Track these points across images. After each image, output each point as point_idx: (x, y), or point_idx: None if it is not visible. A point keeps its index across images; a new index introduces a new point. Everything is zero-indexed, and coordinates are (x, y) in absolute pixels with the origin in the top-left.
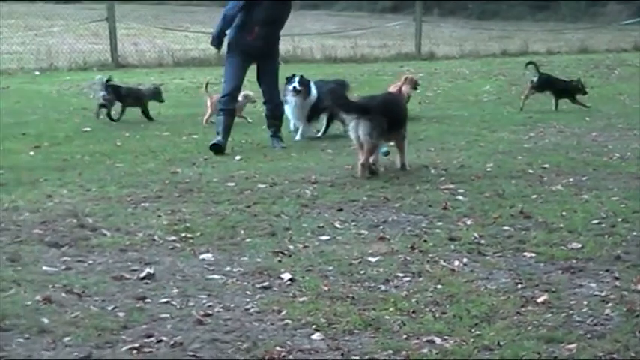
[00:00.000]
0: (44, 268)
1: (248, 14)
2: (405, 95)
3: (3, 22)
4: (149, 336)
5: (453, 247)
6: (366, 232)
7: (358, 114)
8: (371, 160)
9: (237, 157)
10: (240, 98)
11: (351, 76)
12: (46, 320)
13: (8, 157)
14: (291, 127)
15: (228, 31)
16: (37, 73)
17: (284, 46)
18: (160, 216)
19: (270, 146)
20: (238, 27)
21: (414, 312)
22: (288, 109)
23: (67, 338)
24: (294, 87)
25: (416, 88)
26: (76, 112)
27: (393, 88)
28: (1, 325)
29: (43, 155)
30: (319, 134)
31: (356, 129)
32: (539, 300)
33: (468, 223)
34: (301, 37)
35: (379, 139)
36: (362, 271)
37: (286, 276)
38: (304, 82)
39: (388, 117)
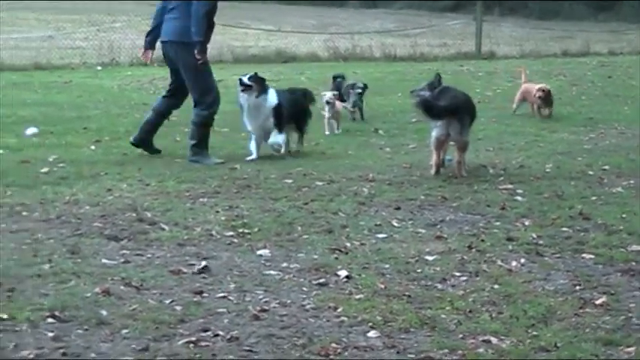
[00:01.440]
0: (103, 261)
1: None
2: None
3: (66, 18)
4: (206, 330)
5: (510, 247)
6: (424, 231)
7: (448, 115)
8: (434, 159)
9: (295, 154)
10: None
11: (410, 75)
12: (104, 312)
13: (70, 151)
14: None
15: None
16: (99, 68)
17: (343, 44)
18: (217, 211)
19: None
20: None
21: (470, 311)
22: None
23: (125, 331)
24: (241, 80)
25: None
26: (136, 107)
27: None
28: (61, 317)
29: (103, 149)
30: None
31: (445, 129)
32: (598, 302)
33: (526, 223)
34: (361, 36)
35: (469, 136)
36: (419, 270)
37: (343, 273)
38: (257, 79)
39: (471, 115)
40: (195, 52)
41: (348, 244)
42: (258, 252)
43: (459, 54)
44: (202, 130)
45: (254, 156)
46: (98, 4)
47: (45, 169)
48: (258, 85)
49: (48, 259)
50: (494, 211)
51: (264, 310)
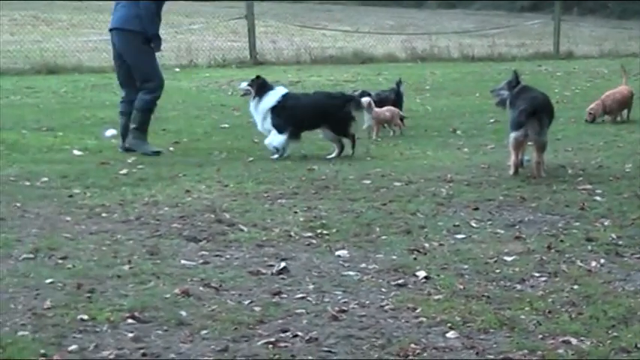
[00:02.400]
0: (182, 261)
1: (159, 7)
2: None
3: None
4: (285, 331)
5: (590, 247)
6: (502, 232)
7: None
8: (512, 160)
9: (373, 155)
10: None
11: (488, 75)
12: (184, 313)
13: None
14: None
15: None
16: (177, 69)
17: (421, 44)
18: (296, 212)
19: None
20: (158, 21)
21: (549, 312)
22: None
23: (205, 331)
24: (240, 85)
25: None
26: (214, 108)
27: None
28: (141, 317)
29: (182, 151)
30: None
31: (524, 129)
32: None
33: (606, 223)
34: (438, 36)
35: (547, 136)
36: (497, 270)
37: (421, 274)
38: (255, 83)
39: (549, 115)
40: (153, 46)
41: (427, 245)
42: (337, 253)
43: (537, 54)
44: (144, 115)
45: (275, 155)
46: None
47: (124, 171)
48: (255, 89)
49: (127, 260)
50: (574, 212)
51: (343, 311)
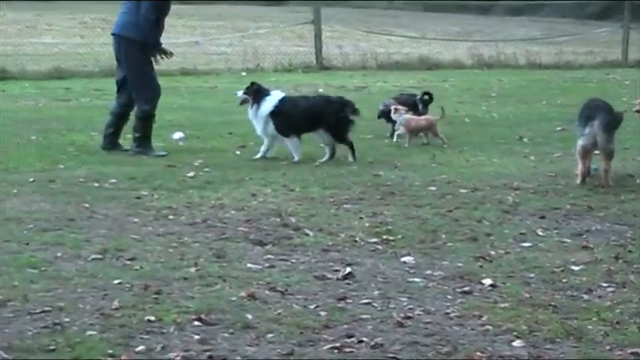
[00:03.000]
0: (248, 265)
1: (163, 14)
2: None
3: (212, 24)
4: (350, 336)
5: None
6: (569, 241)
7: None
8: (580, 168)
9: (439, 162)
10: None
11: (554, 83)
12: (249, 316)
13: (215, 156)
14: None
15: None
16: (244, 73)
17: (487, 51)
18: (361, 218)
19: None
20: (158, 29)
21: (617, 323)
22: None
23: (270, 335)
24: (236, 94)
25: None
26: None
27: None
28: (207, 320)
29: (248, 154)
30: (323, 159)
31: (592, 137)
32: None
33: None
34: (505, 43)
35: (614, 145)
36: (564, 280)
37: (487, 281)
38: (251, 90)
39: (616, 124)
40: (151, 56)
41: (493, 253)
42: (402, 259)
43: (605, 62)
44: (144, 123)
45: (259, 155)
46: (243, 10)
47: (191, 174)
48: (252, 96)
49: (194, 262)
50: None
51: (409, 317)
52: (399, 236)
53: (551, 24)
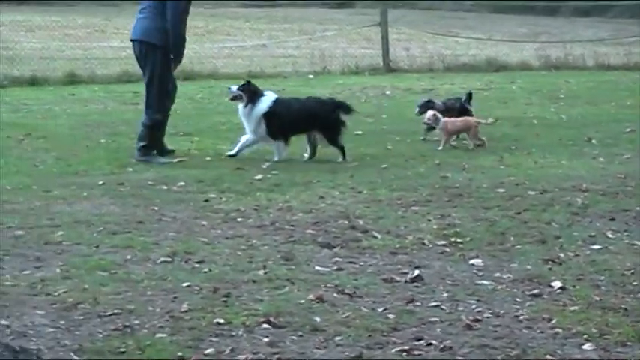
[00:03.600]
0: (316, 267)
1: (186, 15)
2: None
3: (279, 27)
4: (419, 339)
5: None
6: (639, 243)
7: None
8: None
9: (507, 164)
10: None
11: (623, 84)
12: (318, 319)
13: (283, 159)
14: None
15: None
16: (311, 76)
17: (555, 52)
18: (429, 220)
19: None
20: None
21: None
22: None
23: (339, 337)
24: (230, 88)
25: None
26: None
27: None
28: (275, 322)
29: (315, 157)
30: (305, 157)
31: None
32: None
33: None
34: (573, 44)
35: None
36: (635, 283)
37: (557, 284)
38: (247, 88)
39: None
40: (175, 62)
41: (562, 255)
42: (471, 261)
43: None
44: (152, 132)
45: (233, 151)
46: (310, 13)
47: (259, 176)
48: (247, 94)
49: (262, 264)
50: None
51: (477, 320)
52: (468, 238)
53: (619, 25)
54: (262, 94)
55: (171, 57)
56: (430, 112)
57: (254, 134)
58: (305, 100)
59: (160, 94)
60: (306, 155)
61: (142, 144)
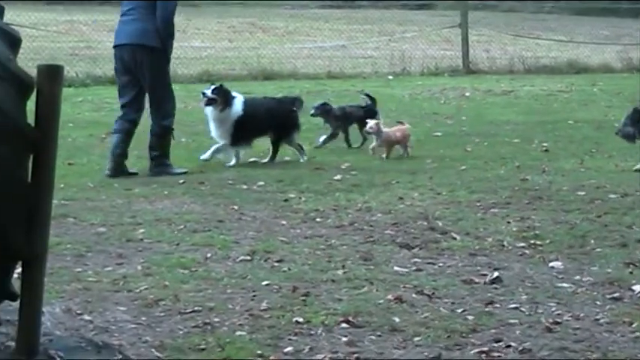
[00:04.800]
0: (395, 268)
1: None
2: None
3: (358, 28)
4: (498, 341)
5: None
6: None
7: None
8: None
9: (587, 167)
10: None
11: None
12: (396, 319)
13: (361, 159)
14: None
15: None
16: (390, 77)
17: (637, 55)
18: (509, 222)
19: None
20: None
21: None
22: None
23: (417, 338)
24: (204, 93)
25: None
26: (427, 116)
27: None
28: (355, 322)
29: (394, 158)
30: (266, 160)
31: None
32: None
33: None
34: None
35: None
36: None
37: (637, 288)
38: (221, 92)
39: None
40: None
41: None
42: (551, 264)
43: None
44: (163, 140)
45: (232, 162)
46: (389, 14)
47: (338, 176)
48: (222, 98)
49: (341, 264)
50: None
51: (557, 323)
52: (547, 241)
53: None
54: (234, 97)
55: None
56: (373, 122)
57: (222, 139)
58: (265, 101)
59: (167, 99)
60: (268, 158)
61: (154, 154)
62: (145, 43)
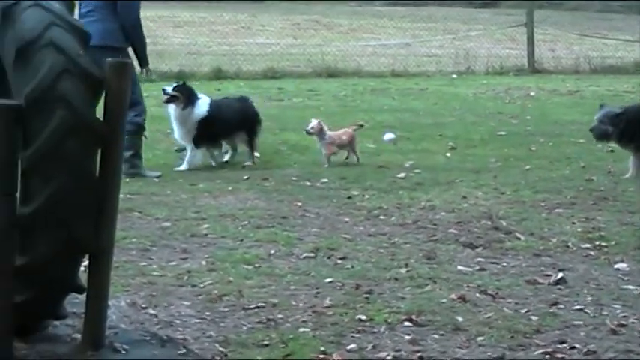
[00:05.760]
0: (459, 267)
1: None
2: None
3: (423, 26)
4: (562, 342)
5: None
6: None
7: None
8: None
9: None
10: None
11: None
12: (460, 318)
13: (426, 157)
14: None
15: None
16: (454, 76)
17: None
18: (573, 223)
19: None
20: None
21: None
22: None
23: (481, 338)
24: (164, 90)
25: None
26: (491, 115)
27: None
28: (417, 320)
29: (459, 157)
30: (224, 159)
31: None
32: None
33: None
34: None
35: None
36: None
37: None
38: (184, 90)
39: None
40: (140, 64)
41: None
42: (616, 265)
43: None
44: (137, 138)
45: (183, 167)
46: (454, 12)
47: (401, 175)
48: (184, 96)
49: (405, 263)
50: None
51: (622, 325)
52: (613, 242)
53: None
54: (198, 97)
55: (140, 62)
56: (315, 122)
57: (184, 140)
58: (230, 102)
59: (134, 98)
60: (228, 157)
61: (128, 154)
62: (109, 44)
